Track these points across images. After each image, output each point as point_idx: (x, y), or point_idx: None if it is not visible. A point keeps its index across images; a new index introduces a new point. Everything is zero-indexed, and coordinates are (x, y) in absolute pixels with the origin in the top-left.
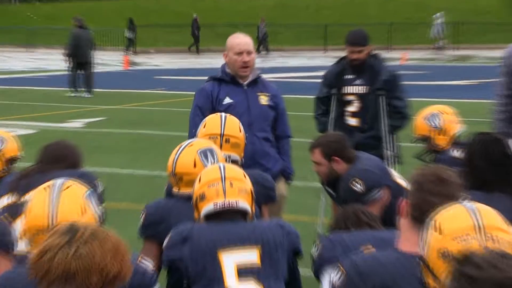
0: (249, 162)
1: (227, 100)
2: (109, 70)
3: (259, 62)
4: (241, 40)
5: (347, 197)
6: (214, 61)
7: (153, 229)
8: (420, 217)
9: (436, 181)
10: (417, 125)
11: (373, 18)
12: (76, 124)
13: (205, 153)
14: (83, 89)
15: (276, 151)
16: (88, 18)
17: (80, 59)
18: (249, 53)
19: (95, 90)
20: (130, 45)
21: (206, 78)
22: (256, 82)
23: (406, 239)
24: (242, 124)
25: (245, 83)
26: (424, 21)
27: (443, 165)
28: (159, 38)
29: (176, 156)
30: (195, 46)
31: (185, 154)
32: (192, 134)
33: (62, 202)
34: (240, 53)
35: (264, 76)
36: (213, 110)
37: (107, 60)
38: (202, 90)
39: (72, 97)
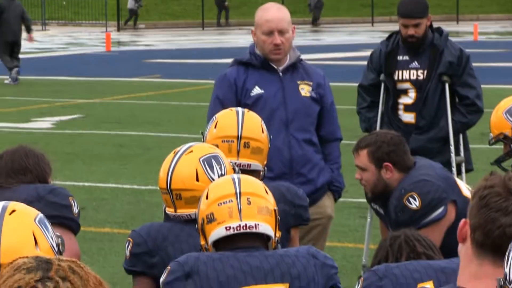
0: (285, 171)
1: (256, 91)
2: (86, 52)
3: None
4: (272, 15)
5: (400, 217)
6: (225, 39)
7: (144, 263)
8: (484, 242)
9: (505, 193)
10: (495, 121)
11: None
12: (43, 124)
13: (210, 162)
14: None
15: (322, 158)
16: None
17: (8, 37)
18: (282, 32)
19: (69, 78)
20: (132, 19)
21: (213, 61)
22: (296, 67)
23: (467, 272)
24: (277, 122)
25: (281, 68)
26: None
27: None
28: (151, 8)
29: (172, 167)
30: (225, 16)
31: (183, 164)
32: None
33: (6, 231)
34: (270, 33)
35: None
36: (238, 104)
37: (83, 39)
38: (223, 77)
39: (38, 89)
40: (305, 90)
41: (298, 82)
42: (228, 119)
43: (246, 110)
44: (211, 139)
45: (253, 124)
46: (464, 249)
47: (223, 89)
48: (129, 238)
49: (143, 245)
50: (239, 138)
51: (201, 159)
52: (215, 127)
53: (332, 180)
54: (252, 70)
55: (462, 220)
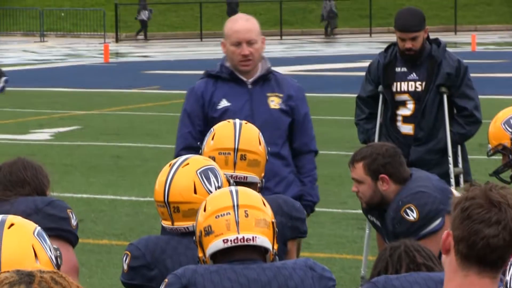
0: None
1: (223, 104)
2: (84, 63)
3: (282, 49)
4: (241, 26)
5: (398, 228)
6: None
7: (142, 276)
8: (469, 254)
9: (487, 205)
10: (494, 132)
11: None
12: (42, 135)
13: (207, 174)
14: None
15: (293, 171)
16: None
17: None
18: (250, 43)
19: (67, 89)
20: (144, 29)
21: None
22: (267, 79)
23: (452, 284)
24: None
25: (250, 80)
26: None
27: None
28: (149, 20)
29: (169, 180)
30: None
31: (180, 177)
32: (178, 149)
33: (6, 245)
34: (238, 44)
35: (290, 69)
36: (205, 117)
37: (81, 51)
38: (191, 90)
39: (36, 101)
40: (274, 102)
41: (268, 94)
42: (225, 131)
43: (244, 122)
44: (208, 151)
45: (250, 136)
46: (448, 261)
47: (190, 102)
48: (127, 252)
49: (141, 258)
50: (235, 150)
51: (198, 172)
52: (212, 139)
53: (303, 193)
54: (221, 83)
55: (445, 232)
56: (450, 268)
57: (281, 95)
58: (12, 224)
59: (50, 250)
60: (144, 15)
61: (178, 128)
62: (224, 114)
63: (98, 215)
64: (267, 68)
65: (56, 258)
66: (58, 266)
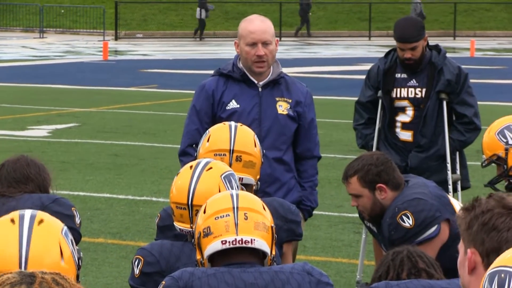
0: None
1: (232, 105)
2: (83, 61)
3: (281, 51)
4: (256, 26)
5: (394, 235)
6: (221, 50)
7: (154, 282)
8: None
9: (507, 212)
10: (488, 142)
11: None
12: (39, 132)
13: (229, 179)
14: None
15: (294, 177)
16: None
17: None
18: (266, 44)
19: (65, 86)
20: (201, 28)
21: (210, 72)
22: (277, 83)
23: None
24: None
25: (261, 83)
26: None
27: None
28: (148, 18)
29: (193, 183)
30: (306, 27)
31: (206, 181)
32: (184, 145)
33: (35, 240)
34: (253, 44)
35: (288, 70)
36: (214, 117)
37: (80, 48)
38: (202, 87)
39: (34, 97)
40: (282, 107)
41: (277, 99)
42: (220, 133)
43: (239, 124)
44: (204, 153)
45: (246, 138)
46: (474, 279)
47: (200, 99)
48: (139, 256)
49: (155, 264)
50: (231, 151)
51: (222, 176)
52: (208, 140)
53: (302, 198)
54: (232, 83)
55: (469, 251)
56: (477, 285)
57: (289, 100)
58: (41, 220)
59: (74, 250)
60: (201, 13)
61: (185, 125)
62: (232, 116)
63: (94, 213)
64: (278, 72)
65: (78, 259)
66: (79, 267)
